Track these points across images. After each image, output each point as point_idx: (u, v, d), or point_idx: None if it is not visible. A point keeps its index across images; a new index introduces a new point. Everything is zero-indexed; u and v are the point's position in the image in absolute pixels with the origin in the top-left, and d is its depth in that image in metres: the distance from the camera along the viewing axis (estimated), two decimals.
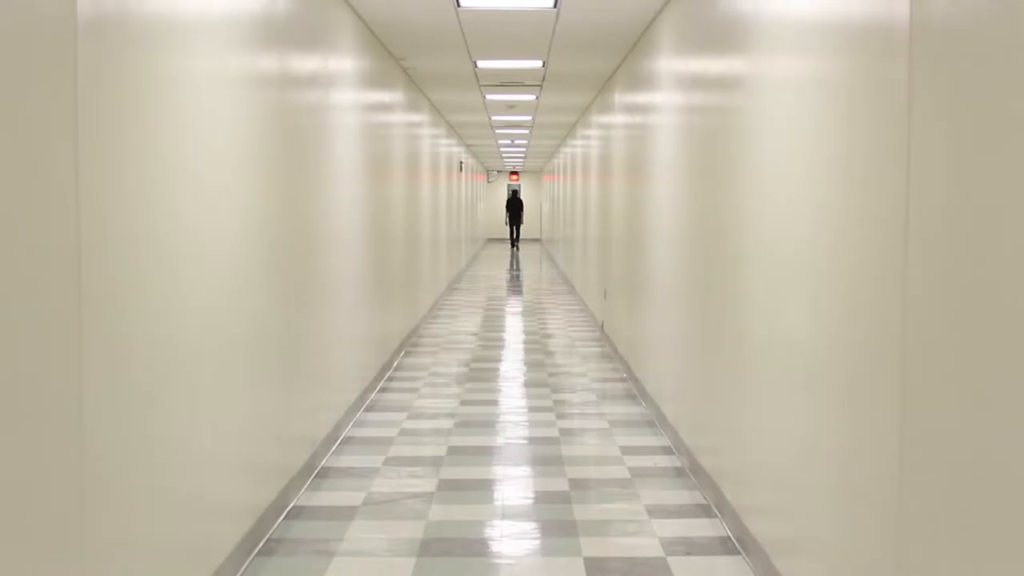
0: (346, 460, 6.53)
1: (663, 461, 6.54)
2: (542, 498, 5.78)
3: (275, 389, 5.28)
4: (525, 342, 12.21)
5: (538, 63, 10.81)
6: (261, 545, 4.89)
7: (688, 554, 4.83)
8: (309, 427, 6.13)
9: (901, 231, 2.93)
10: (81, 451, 2.95)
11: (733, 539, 5.00)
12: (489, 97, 14.14)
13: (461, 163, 22.82)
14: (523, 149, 27.67)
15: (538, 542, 5.04)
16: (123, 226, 3.26)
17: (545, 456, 6.69)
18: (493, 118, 17.49)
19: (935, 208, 2.71)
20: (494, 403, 8.47)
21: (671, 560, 4.75)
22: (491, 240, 41.63)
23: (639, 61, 9.16)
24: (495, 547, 4.98)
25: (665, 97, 7.67)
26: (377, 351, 9.10)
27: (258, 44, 4.93)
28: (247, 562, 4.66)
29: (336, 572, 4.61)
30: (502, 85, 12.83)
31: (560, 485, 6.00)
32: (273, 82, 5.24)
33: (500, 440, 7.14)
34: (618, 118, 11.10)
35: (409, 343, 11.65)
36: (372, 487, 5.91)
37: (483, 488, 5.98)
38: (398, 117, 10.96)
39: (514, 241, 37.41)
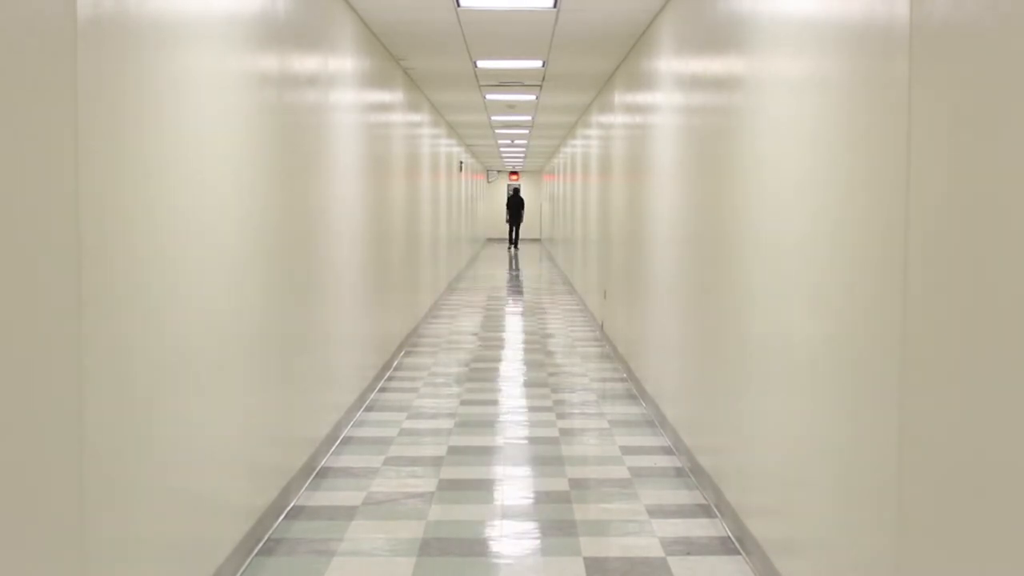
0: (346, 460, 6.53)
1: (663, 461, 6.54)
2: (542, 498, 5.78)
3: (275, 389, 5.28)
4: (525, 342, 12.21)
5: (538, 63, 10.81)
6: (261, 545, 4.89)
7: (688, 554, 4.83)
8: (309, 427, 6.13)
9: (901, 230, 2.93)
10: (81, 451, 2.95)
11: (733, 539, 5.00)
12: (489, 97, 14.14)
13: (461, 163, 22.82)
14: (523, 149, 27.67)
15: (538, 542, 5.04)
16: (123, 226, 3.26)
17: (545, 456, 6.69)
18: (493, 118, 17.49)
19: (935, 207, 2.71)
20: (494, 403, 8.47)
21: (671, 560, 4.75)
22: (491, 240, 41.65)
23: (639, 61, 9.16)
24: (495, 547, 4.98)
25: (665, 97, 7.67)
26: (377, 351, 9.10)
27: (258, 44, 4.93)
28: (247, 562, 4.66)
29: (336, 572, 4.61)
30: (502, 85, 12.83)
31: (560, 485, 6.00)
32: (273, 82, 5.25)
33: (500, 440, 7.14)
34: (618, 118, 11.10)
35: (409, 343, 11.65)
36: (372, 487, 5.91)
37: (483, 488, 5.98)
38: (398, 117, 10.96)
39: (513, 241, 37.71)
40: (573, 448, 6.92)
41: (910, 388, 2.86)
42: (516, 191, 35.65)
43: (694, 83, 6.44)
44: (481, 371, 10.09)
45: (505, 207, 36.05)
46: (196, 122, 3.99)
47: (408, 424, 7.62)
